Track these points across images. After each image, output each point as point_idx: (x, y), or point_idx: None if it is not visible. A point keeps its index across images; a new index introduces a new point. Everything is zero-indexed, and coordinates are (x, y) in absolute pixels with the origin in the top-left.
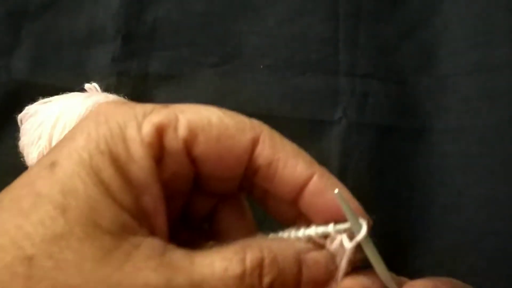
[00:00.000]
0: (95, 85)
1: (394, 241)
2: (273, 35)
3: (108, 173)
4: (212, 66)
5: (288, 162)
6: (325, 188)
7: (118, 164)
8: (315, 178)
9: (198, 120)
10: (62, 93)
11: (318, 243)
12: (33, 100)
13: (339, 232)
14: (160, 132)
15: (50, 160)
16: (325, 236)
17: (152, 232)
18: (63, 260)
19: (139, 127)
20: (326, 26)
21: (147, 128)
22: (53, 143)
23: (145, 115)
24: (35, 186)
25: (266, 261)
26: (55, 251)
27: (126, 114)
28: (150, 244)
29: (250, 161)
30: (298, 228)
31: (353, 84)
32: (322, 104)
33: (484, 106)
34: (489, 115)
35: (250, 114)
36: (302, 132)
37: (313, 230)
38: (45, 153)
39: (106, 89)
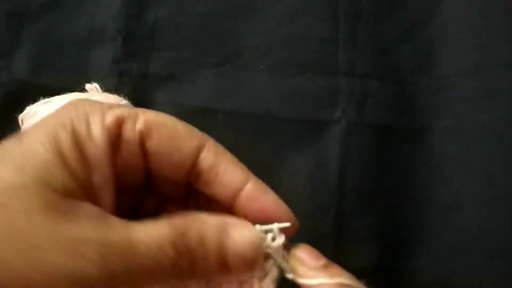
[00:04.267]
0: (95, 85)
1: (394, 241)
2: (273, 35)
3: (67, 144)
4: (212, 66)
5: (227, 167)
6: (258, 192)
7: (78, 140)
8: (250, 183)
9: (154, 119)
10: (63, 93)
11: None
12: (34, 100)
13: (282, 230)
14: (120, 122)
15: (22, 134)
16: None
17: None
18: (13, 207)
19: (103, 115)
20: (325, 26)
21: (109, 117)
22: None
23: (110, 108)
24: (4, 152)
25: (191, 224)
26: (6, 199)
27: (93, 105)
28: (91, 208)
29: (195, 165)
30: None
31: (353, 84)
32: (322, 104)
33: (484, 106)
34: (488, 115)
35: (250, 114)
36: (302, 132)
37: (258, 227)
38: None
39: (106, 89)
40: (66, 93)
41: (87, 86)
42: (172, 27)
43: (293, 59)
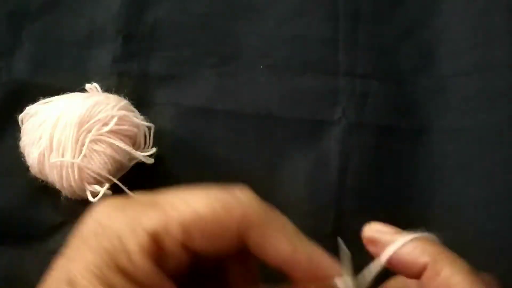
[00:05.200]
0: (95, 85)
1: None
2: (273, 35)
3: (121, 285)
4: (212, 66)
5: (273, 243)
6: (309, 262)
7: (128, 277)
8: (298, 254)
9: (189, 217)
10: (63, 93)
11: None
12: (34, 100)
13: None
14: (156, 240)
15: (66, 277)
16: None
17: None
18: None
19: (137, 239)
20: (325, 26)
21: (144, 238)
22: (54, 143)
23: (140, 224)
24: None
25: None
26: None
27: (122, 224)
28: None
29: (241, 236)
30: None
31: (353, 84)
32: (322, 104)
33: (484, 106)
34: (488, 115)
35: (250, 114)
36: (302, 132)
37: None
38: (46, 156)
39: (106, 89)
40: (66, 93)
41: (87, 86)
42: (172, 27)
43: (293, 59)
